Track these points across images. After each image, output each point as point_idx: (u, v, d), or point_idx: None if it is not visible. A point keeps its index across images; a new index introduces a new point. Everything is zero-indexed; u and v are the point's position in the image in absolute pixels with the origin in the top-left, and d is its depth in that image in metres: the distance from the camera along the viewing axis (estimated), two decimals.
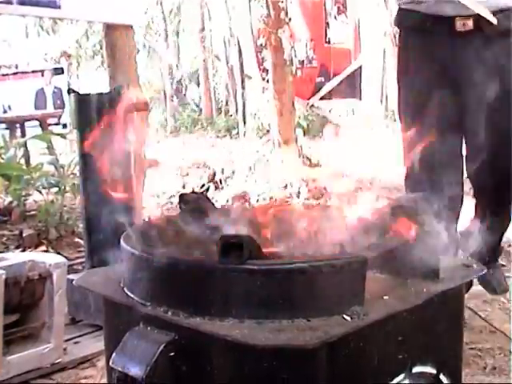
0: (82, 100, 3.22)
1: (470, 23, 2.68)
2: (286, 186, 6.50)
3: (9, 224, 5.28)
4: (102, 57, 17.30)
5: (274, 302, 1.21)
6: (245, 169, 6.71)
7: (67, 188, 5.34)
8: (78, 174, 4.35)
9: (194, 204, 1.66)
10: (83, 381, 2.87)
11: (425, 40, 2.87)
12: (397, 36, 3.25)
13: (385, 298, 1.33)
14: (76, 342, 3.20)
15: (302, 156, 6.93)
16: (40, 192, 5.37)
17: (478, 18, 2.62)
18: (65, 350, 3.03)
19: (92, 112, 3.17)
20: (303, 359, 1.17)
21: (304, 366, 1.18)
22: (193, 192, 1.54)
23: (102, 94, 3.30)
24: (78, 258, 4.35)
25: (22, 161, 6.24)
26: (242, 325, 1.20)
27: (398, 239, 1.44)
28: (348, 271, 1.23)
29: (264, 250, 1.27)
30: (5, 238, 4.94)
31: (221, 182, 6.61)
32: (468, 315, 3.44)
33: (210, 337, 1.19)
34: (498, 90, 2.65)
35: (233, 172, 6.71)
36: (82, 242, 4.46)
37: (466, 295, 3.65)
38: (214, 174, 6.75)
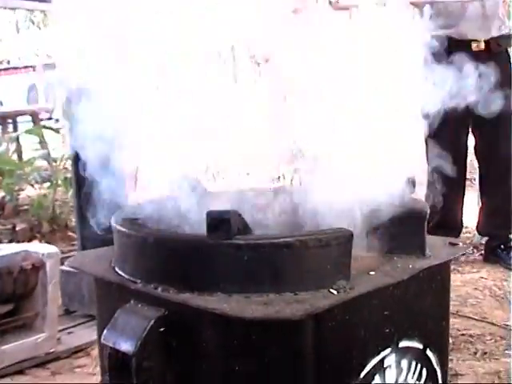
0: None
1: (481, 45, 3.75)
2: (278, 178, 6.50)
3: (1, 219, 5.29)
4: None
5: (261, 277, 1.23)
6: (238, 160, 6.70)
7: (59, 182, 5.34)
8: (70, 168, 4.36)
9: (185, 185, 1.68)
10: (77, 370, 2.88)
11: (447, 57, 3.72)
12: None
13: (371, 273, 1.35)
14: (70, 332, 3.21)
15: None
16: (32, 186, 5.37)
17: (488, 41, 3.74)
18: (59, 339, 3.04)
19: None
20: (290, 331, 1.19)
21: (291, 338, 1.20)
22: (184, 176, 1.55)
23: None
24: (70, 251, 4.36)
25: (15, 156, 6.24)
26: (231, 299, 1.22)
27: (384, 217, 1.46)
28: (334, 245, 1.25)
29: (251, 227, 1.28)
30: None
31: (213, 175, 6.58)
32: (459, 302, 3.47)
33: (199, 311, 1.20)
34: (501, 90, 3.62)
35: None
36: (74, 235, 4.47)
37: (459, 282, 3.70)
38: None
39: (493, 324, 3.21)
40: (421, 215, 1.48)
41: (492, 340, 3.02)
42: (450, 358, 2.66)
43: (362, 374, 1.32)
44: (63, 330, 3.20)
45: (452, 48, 3.84)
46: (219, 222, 1.22)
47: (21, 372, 2.82)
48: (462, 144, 4.03)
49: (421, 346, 1.47)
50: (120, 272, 1.41)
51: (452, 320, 3.12)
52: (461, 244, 1.59)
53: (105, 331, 1.30)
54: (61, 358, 2.97)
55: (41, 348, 2.90)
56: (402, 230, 1.46)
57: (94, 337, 2.98)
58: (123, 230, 1.39)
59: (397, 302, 1.37)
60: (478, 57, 3.80)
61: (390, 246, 1.47)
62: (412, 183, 1.55)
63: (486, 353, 2.89)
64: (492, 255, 4.21)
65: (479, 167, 4.25)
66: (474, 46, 3.77)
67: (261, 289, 1.23)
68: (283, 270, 1.24)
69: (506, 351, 2.89)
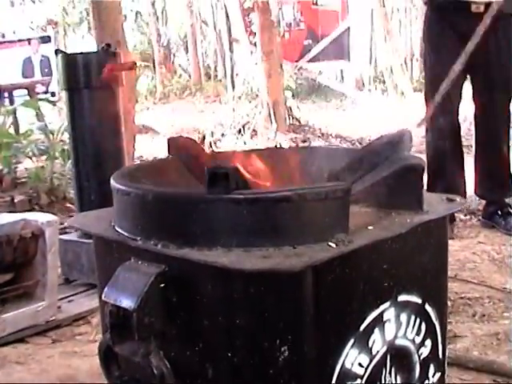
0: (70, 60, 3.22)
1: (481, 7, 3.70)
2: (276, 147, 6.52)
3: (0, 191, 5.30)
4: (89, 23, 17.20)
5: (260, 231, 1.23)
6: (234, 131, 6.73)
7: (57, 154, 5.36)
8: (67, 140, 4.36)
9: (183, 147, 1.68)
10: (78, 337, 2.91)
11: (447, 17, 3.98)
12: None
13: (369, 228, 1.36)
14: (70, 301, 3.23)
15: (292, 117, 6.95)
16: (30, 158, 5.39)
17: (489, 4, 3.42)
18: (59, 308, 3.06)
19: (80, 72, 3.18)
20: (290, 284, 1.20)
21: (291, 291, 1.20)
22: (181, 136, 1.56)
23: (89, 53, 3.30)
24: None
25: (12, 130, 6.24)
26: (230, 253, 1.22)
27: (381, 173, 1.46)
28: (332, 199, 1.26)
29: (250, 182, 1.29)
30: None
31: (211, 145, 6.61)
32: (457, 266, 3.49)
33: (199, 265, 1.21)
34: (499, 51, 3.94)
35: (222, 135, 6.72)
36: (73, 206, 4.49)
37: (457, 247, 3.72)
38: (204, 138, 6.75)
39: (491, 287, 3.23)
40: (417, 170, 1.49)
41: (490, 303, 3.05)
42: (448, 320, 2.69)
43: (362, 327, 1.33)
44: (63, 298, 3.23)
45: (451, 8, 3.90)
46: (218, 177, 1.22)
47: (22, 340, 2.84)
48: (454, 106, 4.08)
49: (419, 301, 1.48)
50: (120, 230, 1.42)
51: (450, 284, 3.15)
52: (458, 199, 1.60)
53: (105, 288, 1.31)
54: (61, 326, 2.99)
55: (41, 316, 2.92)
56: (399, 185, 1.47)
57: (94, 305, 3.01)
58: (122, 187, 1.39)
59: (395, 255, 1.38)
60: (477, 18, 3.91)
61: (388, 202, 1.47)
62: (409, 138, 1.54)
63: (484, 315, 2.91)
64: (489, 221, 4.24)
65: (475, 130, 4.28)
66: (473, 7, 3.80)
67: (260, 243, 1.23)
68: (282, 224, 1.24)
69: (505, 313, 2.91)
